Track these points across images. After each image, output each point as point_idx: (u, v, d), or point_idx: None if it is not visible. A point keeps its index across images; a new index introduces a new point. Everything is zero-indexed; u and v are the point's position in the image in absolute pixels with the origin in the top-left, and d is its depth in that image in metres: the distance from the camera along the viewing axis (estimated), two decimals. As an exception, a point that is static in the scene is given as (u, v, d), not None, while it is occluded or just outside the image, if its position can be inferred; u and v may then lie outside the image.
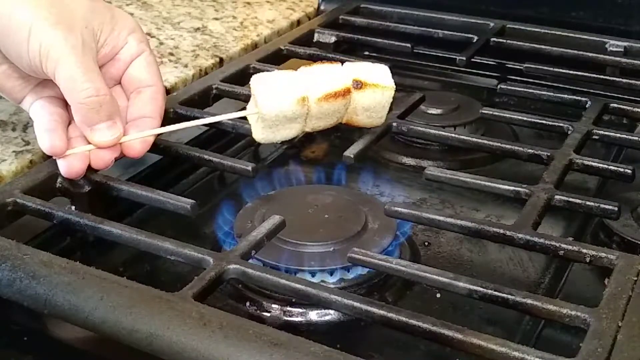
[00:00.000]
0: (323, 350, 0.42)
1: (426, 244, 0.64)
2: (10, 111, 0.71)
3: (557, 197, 0.58)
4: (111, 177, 0.61)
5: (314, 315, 0.56)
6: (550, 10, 0.92)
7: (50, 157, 0.59)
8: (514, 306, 0.47)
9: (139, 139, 0.60)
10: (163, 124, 0.61)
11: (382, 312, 0.46)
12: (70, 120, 0.60)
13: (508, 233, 0.54)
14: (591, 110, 0.72)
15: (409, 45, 0.88)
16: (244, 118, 0.63)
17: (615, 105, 0.74)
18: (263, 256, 0.57)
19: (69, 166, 0.58)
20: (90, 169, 0.59)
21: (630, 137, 0.69)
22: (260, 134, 0.61)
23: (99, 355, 0.54)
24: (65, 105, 0.60)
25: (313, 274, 0.57)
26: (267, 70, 0.80)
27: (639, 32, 0.86)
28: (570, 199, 0.58)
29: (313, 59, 0.82)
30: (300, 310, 0.56)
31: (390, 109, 0.71)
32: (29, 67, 0.57)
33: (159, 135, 0.62)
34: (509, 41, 0.88)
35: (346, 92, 0.61)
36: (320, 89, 0.60)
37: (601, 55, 0.84)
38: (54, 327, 0.55)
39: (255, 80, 0.60)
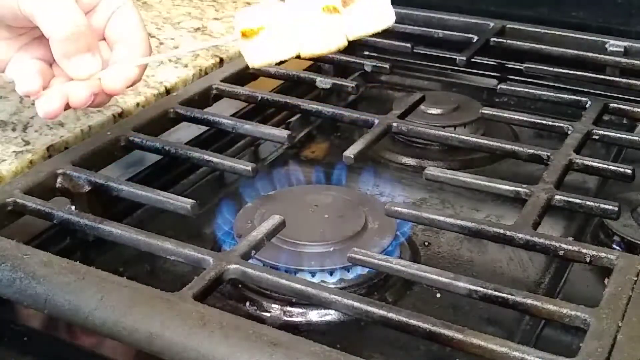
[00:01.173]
0: (323, 350, 0.42)
1: (426, 244, 0.64)
2: (11, 111, 0.71)
3: (557, 197, 0.58)
4: (111, 177, 0.61)
5: (314, 315, 0.56)
6: (550, 10, 0.92)
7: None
8: (514, 306, 0.47)
9: (120, 77, 0.58)
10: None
11: (382, 312, 0.46)
12: (51, 78, 0.58)
13: (508, 233, 0.54)
14: (591, 110, 0.72)
15: (409, 45, 0.88)
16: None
17: (615, 105, 0.74)
18: (263, 256, 0.57)
19: (47, 104, 0.56)
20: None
21: (630, 137, 0.69)
22: (253, 57, 0.57)
23: (99, 355, 0.54)
24: (49, 66, 0.58)
25: (313, 274, 0.57)
26: (267, 70, 0.80)
27: (639, 32, 0.86)
28: (570, 199, 0.58)
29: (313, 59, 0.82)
30: (300, 310, 0.56)
31: (391, 109, 0.71)
32: (4, 8, 0.55)
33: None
34: (509, 41, 0.87)
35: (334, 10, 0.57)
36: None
37: (601, 55, 0.84)
38: (53, 327, 0.55)
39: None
